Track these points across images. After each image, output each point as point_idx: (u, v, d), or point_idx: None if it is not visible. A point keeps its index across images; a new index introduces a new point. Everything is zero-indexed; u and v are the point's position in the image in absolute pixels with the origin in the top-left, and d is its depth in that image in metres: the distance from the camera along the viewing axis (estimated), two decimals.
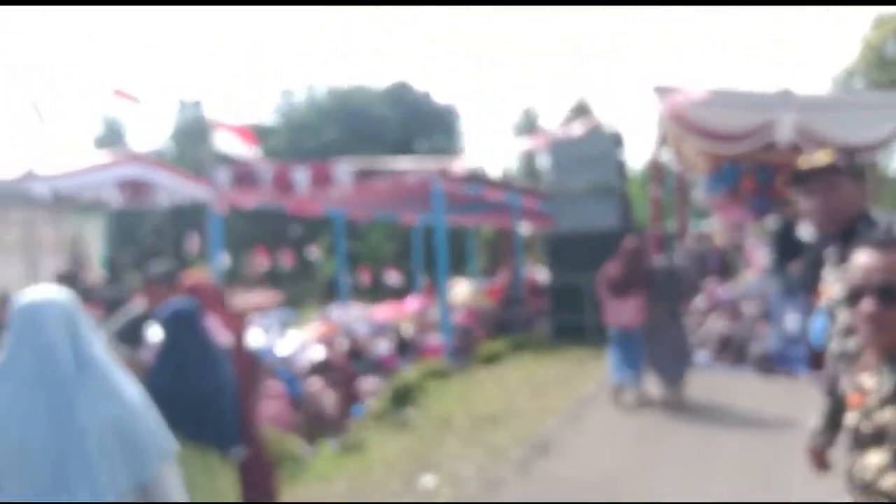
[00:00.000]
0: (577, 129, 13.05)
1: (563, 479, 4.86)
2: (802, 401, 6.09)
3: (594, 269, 7.50)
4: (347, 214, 15.20)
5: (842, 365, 2.29)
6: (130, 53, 61.65)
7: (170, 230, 17.73)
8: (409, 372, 7.79)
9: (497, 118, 67.57)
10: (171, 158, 28.41)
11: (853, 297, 1.59)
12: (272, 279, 19.02)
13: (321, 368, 8.40)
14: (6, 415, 1.73)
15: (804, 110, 9.12)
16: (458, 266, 23.73)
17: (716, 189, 11.97)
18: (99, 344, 1.91)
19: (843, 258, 2.07)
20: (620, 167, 11.69)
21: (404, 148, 27.01)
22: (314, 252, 18.50)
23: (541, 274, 15.46)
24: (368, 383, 8.18)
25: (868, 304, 1.53)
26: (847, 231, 2.40)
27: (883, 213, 2.68)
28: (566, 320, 10.73)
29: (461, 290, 19.89)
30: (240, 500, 3.23)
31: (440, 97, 34.60)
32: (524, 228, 18.80)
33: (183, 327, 3.12)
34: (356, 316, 13.43)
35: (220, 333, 3.50)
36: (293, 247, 19.78)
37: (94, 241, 15.17)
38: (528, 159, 34.19)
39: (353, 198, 10.22)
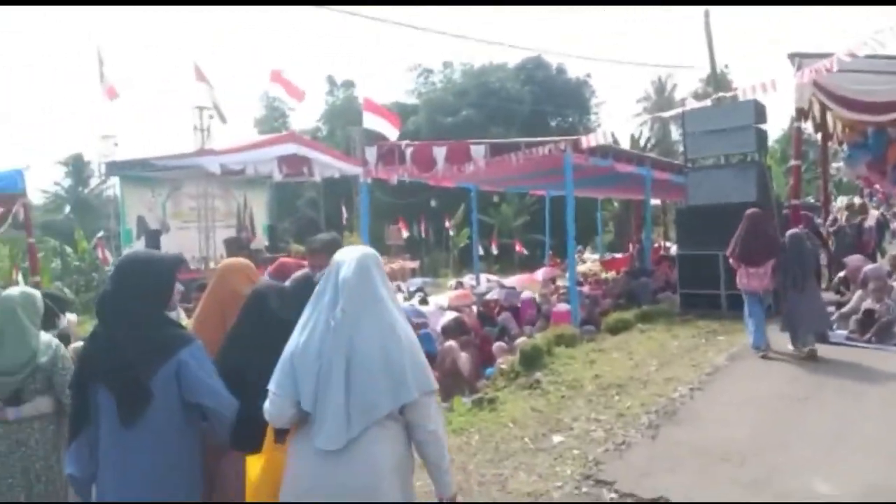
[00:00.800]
0: (712, 99, 12.71)
1: (690, 446, 4.97)
2: None
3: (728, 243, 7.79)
4: (480, 187, 15.78)
5: None
6: (284, 39, 65.26)
7: (322, 202, 19.22)
8: (538, 338, 8.25)
9: (629, 90, 65.36)
10: (323, 137, 30.34)
11: None
12: (411, 248, 20.11)
13: (456, 331, 9.10)
14: (308, 337, 2.32)
15: None
16: (587, 237, 23.75)
17: (860, 159, 11.29)
18: (386, 289, 2.41)
19: None
20: (761, 138, 11.33)
21: (537, 125, 27.12)
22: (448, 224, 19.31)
23: (670, 246, 15.33)
24: (496, 348, 8.78)
25: None
26: None
27: None
28: (696, 293, 10.71)
29: (589, 260, 20.03)
30: None
31: (573, 71, 34.04)
32: (654, 201, 18.52)
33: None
34: (488, 283, 14.10)
35: None
36: (430, 218, 20.77)
37: (258, 211, 16.85)
38: (662, 131, 33.06)
39: (486, 172, 10.76)
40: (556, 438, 5.30)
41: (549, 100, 31.43)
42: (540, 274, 13.86)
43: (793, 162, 11.39)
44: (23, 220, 8.23)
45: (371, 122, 12.05)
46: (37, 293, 3.61)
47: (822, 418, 5.58)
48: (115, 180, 15.05)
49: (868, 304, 8.49)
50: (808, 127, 12.73)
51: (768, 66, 41.07)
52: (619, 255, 20.69)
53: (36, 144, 58.46)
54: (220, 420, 2.62)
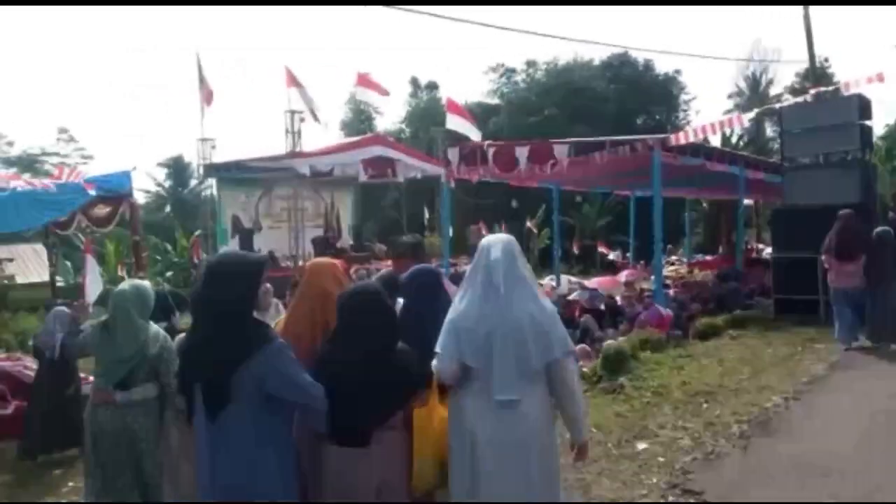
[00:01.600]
0: (812, 94, 12.07)
1: (785, 459, 4.77)
2: None
3: None
4: (563, 188, 15.59)
5: None
6: (369, 42, 66.76)
7: (404, 203, 19.56)
8: (622, 341, 8.07)
9: (720, 86, 62.85)
10: (406, 139, 30.77)
11: None
12: None
13: None
14: (469, 302, 2.81)
15: None
16: (674, 239, 23.02)
17: None
18: (526, 269, 2.89)
19: None
20: (865, 135, 10.66)
21: (623, 123, 26.50)
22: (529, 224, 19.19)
23: (763, 249, 14.65)
24: (580, 350, 8.64)
25: None
26: None
27: None
28: (792, 298, 10.20)
29: (676, 263, 19.40)
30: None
31: (662, 67, 33.01)
32: (747, 201, 17.74)
33: (424, 290, 3.37)
34: (569, 285, 13.91)
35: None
36: (511, 219, 20.71)
37: (344, 211, 17.33)
38: (756, 129, 31.57)
39: (569, 172, 10.63)
40: (641, 445, 5.19)
41: (636, 97, 30.60)
42: (623, 276, 13.55)
43: None
44: (129, 219, 8.74)
45: (454, 122, 12.16)
46: (147, 287, 3.85)
47: None
48: (212, 181, 15.84)
49: None
50: None
51: (872, 58, 38.24)
52: (708, 258, 19.95)
53: (140, 147, 62.30)
54: (313, 413, 2.72)
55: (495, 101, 33.81)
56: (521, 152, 9.91)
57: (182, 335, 3.31)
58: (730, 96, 38.17)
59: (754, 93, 36.11)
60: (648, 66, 32.44)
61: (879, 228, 8.39)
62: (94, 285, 9.13)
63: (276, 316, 4.73)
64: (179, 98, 74.87)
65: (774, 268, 10.92)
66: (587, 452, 3.14)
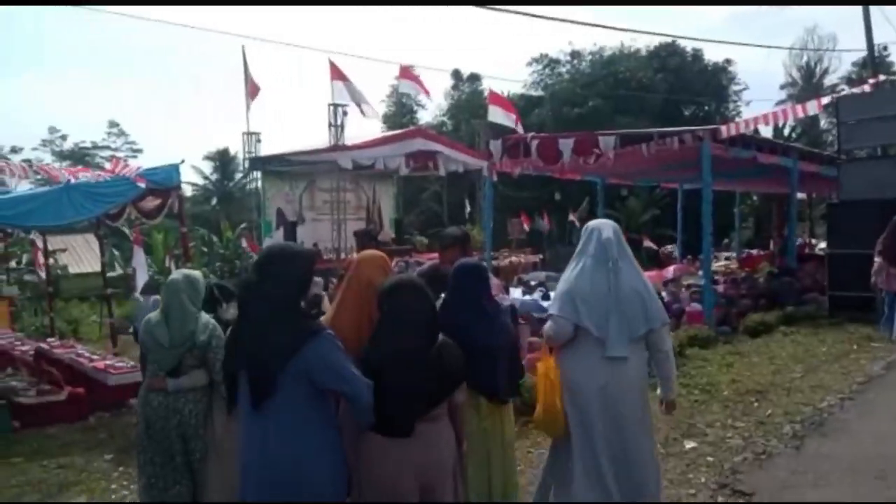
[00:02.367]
0: (870, 84, 11.59)
1: (839, 460, 4.63)
2: None
3: None
4: (608, 180, 15.34)
5: None
6: (411, 36, 66.97)
7: (445, 196, 19.53)
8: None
9: (773, 76, 61.01)
10: (448, 132, 30.72)
11: None
12: (533, 242, 19.95)
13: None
14: (581, 275, 3.35)
15: None
16: (723, 233, 22.49)
17: None
18: (626, 248, 3.45)
19: None
20: None
21: (670, 114, 25.94)
22: (572, 216, 18.93)
23: (816, 244, 14.15)
24: None
25: None
26: None
27: None
28: (848, 295, 9.84)
29: (726, 258, 18.92)
30: (508, 437, 3.49)
31: (711, 56, 32.13)
32: (799, 195, 17.16)
33: (469, 282, 3.41)
34: None
35: (500, 292, 4.03)
36: (554, 212, 20.51)
37: (385, 204, 17.40)
38: (810, 120, 30.52)
39: (615, 165, 10.42)
40: (689, 444, 5.08)
41: (684, 88, 29.89)
42: (671, 271, 13.25)
43: None
44: (177, 211, 8.89)
45: (496, 115, 12.05)
46: (199, 276, 3.93)
47: None
48: (257, 174, 16.06)
49: None
50: None
51: None
52: (758, 253, 19.41)
53: (188, 140, 63.73)
54: (358, 404, 2.71)
55: (538, 92, 33.48)
56: (566, 144, 9.75)
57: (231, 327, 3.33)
58: (782, 87, 37.02)
59: (808, 83, 34.98)
60: (697, 55, 31.70)
61: None
62: (142, 275, 9.37)
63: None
64: (226, 92, 76.46)
65: (829, 264, 10.57)
66: (675, 407, 3.74)
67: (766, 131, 19.12)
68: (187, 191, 31.23)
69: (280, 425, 2.66)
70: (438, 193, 24.52)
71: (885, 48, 31.33)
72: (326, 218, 15.44)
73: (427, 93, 14.21)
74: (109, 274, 12.41)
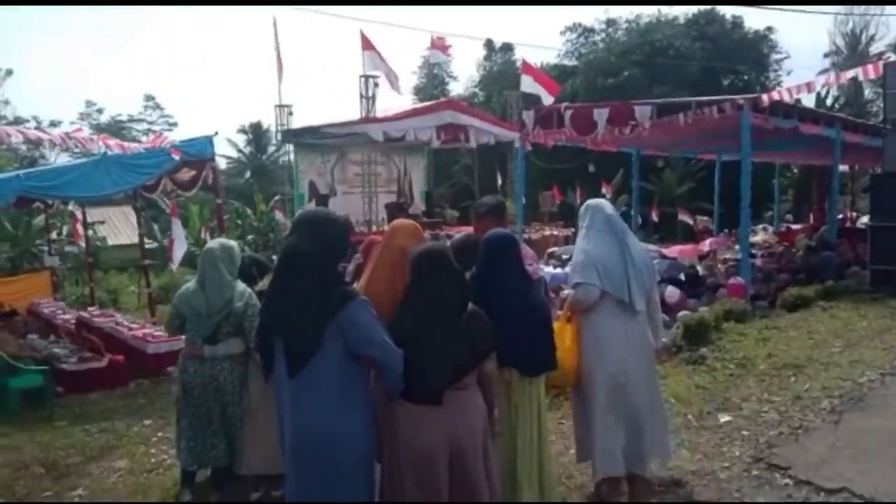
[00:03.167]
0: None
1: (879, 435, 4.52)
2: None
3: None
4: (643, 152, 15.05)
5: None
6: (444, 5, 66.13)
7: (476, 168, 19.38)
8: (705, 312, 7.78)
9: (816, 44, 58.95)
10: (480, 103, 30.38)
11: None
12: (565, 215, 19.76)
13: None
14: (597, 247, 3.74)
15: None
16: (761, 206, 21.98)
17: None
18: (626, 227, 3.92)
19: None
20: None
21: (708, 84, 25.23)
22: (608, 190, 18.67)
23: (858, 217, 13.73)
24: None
25: None
26: None
27: None
28: (892, 269, 9.56)
29: (763, 231, 18.52)
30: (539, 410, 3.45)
31: (751, 24, 31.07)
32: (841, 167, 16.64)
33: (499, 253, 3.38)
34: (648, 253, 13.48)
35: (534, 262, 3.99)
36: (586, 184, 20.22)
37: (416, 177, 17.37)
38: (854, 89, 29.44)
39: (651, 135, 10.19)
40: (724, 418, 5.01)
41: (723, 56, 28.99)
42: (707, 245, 13.01)
43: None
44: (211, 183, 8.99)
45: (529, 85, 11.85)
46: (234, 245, 3.98)
47: None
48: (289, 147, 16.12)
49: None
50: None
51: None
52: (797, 226, 18.95)
53: (222, 114, 64.31)
54: (389, 371, 2.72)
55: (572, 62, 32.86)
56: (600, 114, 9.55)
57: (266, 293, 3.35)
58: (826, 55, 35.70)
59: (853, 51, 33.68)
60: (737, 23, 30.67)
61: None
62: (179, 246, 9.53)
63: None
64: (260, 65, 76.77)
65: (872, 237, 10.25)
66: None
67: (808, 101, 18.52)
68: (221, 164, 31.52)
69: (315, 391, 2.68)
70: (469, 166, 24.32)
71: None
72: (358, 191, 15.48)
73: (448, 56, 13.97)
74: (148, 246, 12.65)
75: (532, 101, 12.16)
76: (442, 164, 25.37)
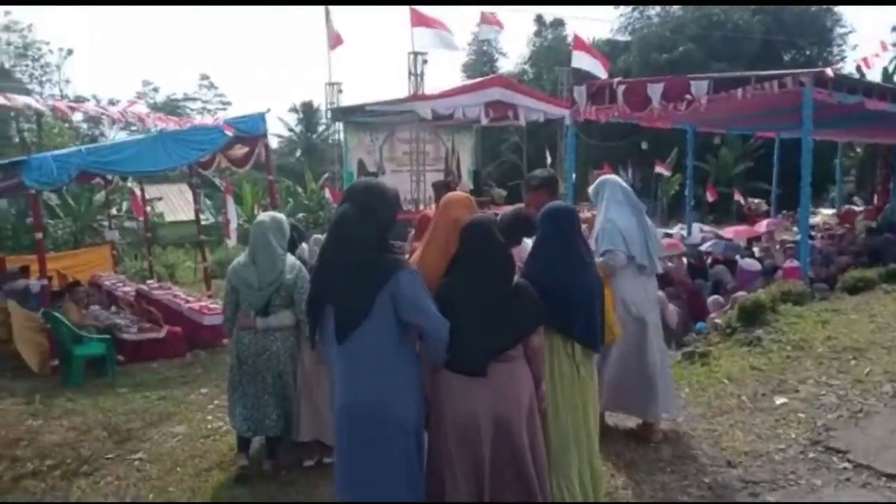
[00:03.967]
0: None
1: None
2: None
3: None
4: (698, 128, 14.61)
5: None
6: None
7: (525, 147, 19.17)
8: (761, 293, 7.56)
9: (883, 17, 55.87)
10: (529, 80, 29.98)
11: None
12: None
13: (662, 282, 8.64)
14: (619, 216, 4.14)
15: None
16: (822, 187, 21.18)
17: None
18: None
19: None
20: None
21: (767, 59, 24.29)
22: (664, 168, 18.22)
23: None
24: (713, 301, 8.19)
25: None
26: None
27: None
28: None
29: (824, 212, 17.86)
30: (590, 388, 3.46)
31: None
32: None
33: (562, 225, 3.31)
34: (701, 234, 13.19)
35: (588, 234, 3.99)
36: (639, 163, 19.82)
37: (464, 155, 17.29)
38: None
39: (707, 111, 9.86)
40: (779, 400, 4.88)
41: (783, 31, 27.83)
42: (764, 226, 12.62)
43: None
44: (264, 160, 9.13)
45: (580, 60, 11.62)
46: (284, 218, 4.05)
47: None
48: (339, 126, 16.23)
49: None
50: None
51: None
52: (859, 208, 18.22)
53: (274, 92, 65.13)
54: (435, 339, 2.75)
55: (625, 37, 32.05)
56: (655, 90, 9.26)
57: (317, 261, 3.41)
58: (894, 28, 33.91)
59: None
60: None
61: None
62: (234, 222, 9.77)
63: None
64: (312, 45, 77.42)
65: None
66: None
67: (874, 76, 17.67)
68: (273, 142, 32.04)
69: (364, 359, 2.72)
70: (518, 144, 24.04)
71: None
72: (406, 169, 15.49)
73: (501, 26, 13.77)
74: (203, 222, 12.97)
75: (583, 77, 11.92)
76: (490, 143, 25.18)
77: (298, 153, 36.09)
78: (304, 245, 4.37)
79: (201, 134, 8.17)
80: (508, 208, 4.75)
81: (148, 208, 14.70)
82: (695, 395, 5.09)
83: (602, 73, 11.32)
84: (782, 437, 4.22)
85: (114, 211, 16.18)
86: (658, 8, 32.25)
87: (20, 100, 7.15)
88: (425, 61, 13.97)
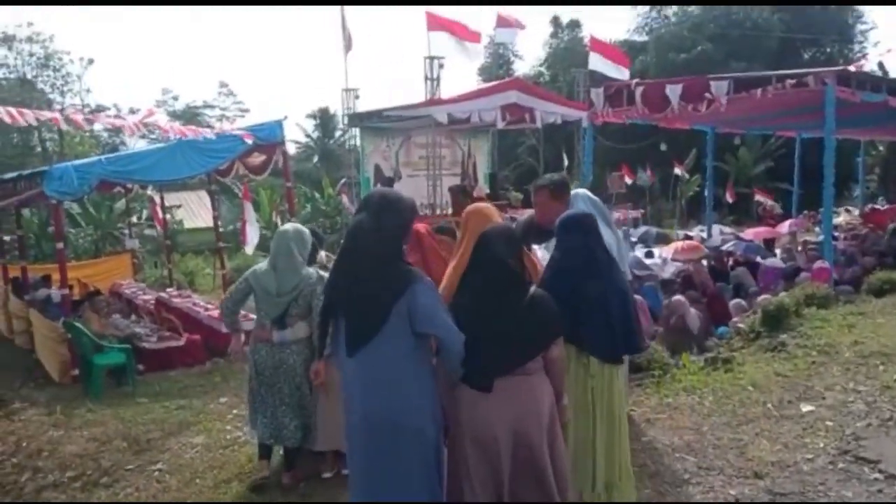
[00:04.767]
0: None
1: None
2: None
3: None
4: (718, 129, 14.44)
5: None
6: None
7: (542, 149, 19.08)
8: (784, 296, 7.42)
9: None
10: (546, 83, 29.87)
11: None
12: (634, 196, 19.26)
13: (683, 285, 8.52)
14: (602, 229, 3.48)
15: None
16: (844, 186, 20.84)
17: None
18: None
19: None
20: None
21: (787, 58, 23.98)
22: (680, 169, 18.04)
23: None
24: (737, 304, 8.06)
25: None
26: None
27: None
28: None
29: (846, 212, 17.56)
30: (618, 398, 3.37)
31: None
32: None
33: (571, 234, 3.26)
34: (721, 235, 13.03)
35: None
36: (657, 164, 19.63)
37: (480, 159, 17.23)
38: None
39: (727, 111, 9.73)
40: (806, 407, 4.77)
41: (804, 29, 27.47)
42: (786, 227, 12.41)
43: None
44: (281, 167, 9.14)
45: (597, 62, 11.52)
46: (306, 229, 4.06)
47: None
48: (355, 131, 16.25)
49: None
50: None
51: None
52: (883, 207, 17.89)
53: (291, 99, 65.61)
54: (450, 352, 2.72)
55: (642, 38, 31.83)
56: (674, 90, 9.16)
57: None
58: None
59: None
60: None
61: None
62: (252, 229, 9.80)
63: None
64: (329, 53, 78.00)
65: None
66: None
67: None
68: (291, 149, 32.13)
69: (380, 371, 2.70)
70: (535, 147, 23.96)
71: None
72: (422, 174, 15.45)
73: (522, 27, 13.73)
74: (222, 229, 13.04)
75: (599, 79, 11.82)
76: (506, 146, 25.12)
77: (315, 159, 36.26)
78: (322, 252, 4.39)
79: (220, 142, 8.20)
80: (526, 212, 4.72)
81: (168, 216, 14.83)
82: (719, 403, 4.99)
83: (623, 75, 11.20)
84: (810, 447, 4.12)
85: (134, 219, 16.34)
86: (675, 7, 31.99)
87: (36, 116, 7.18)
88: (441, 66, 13.94)
